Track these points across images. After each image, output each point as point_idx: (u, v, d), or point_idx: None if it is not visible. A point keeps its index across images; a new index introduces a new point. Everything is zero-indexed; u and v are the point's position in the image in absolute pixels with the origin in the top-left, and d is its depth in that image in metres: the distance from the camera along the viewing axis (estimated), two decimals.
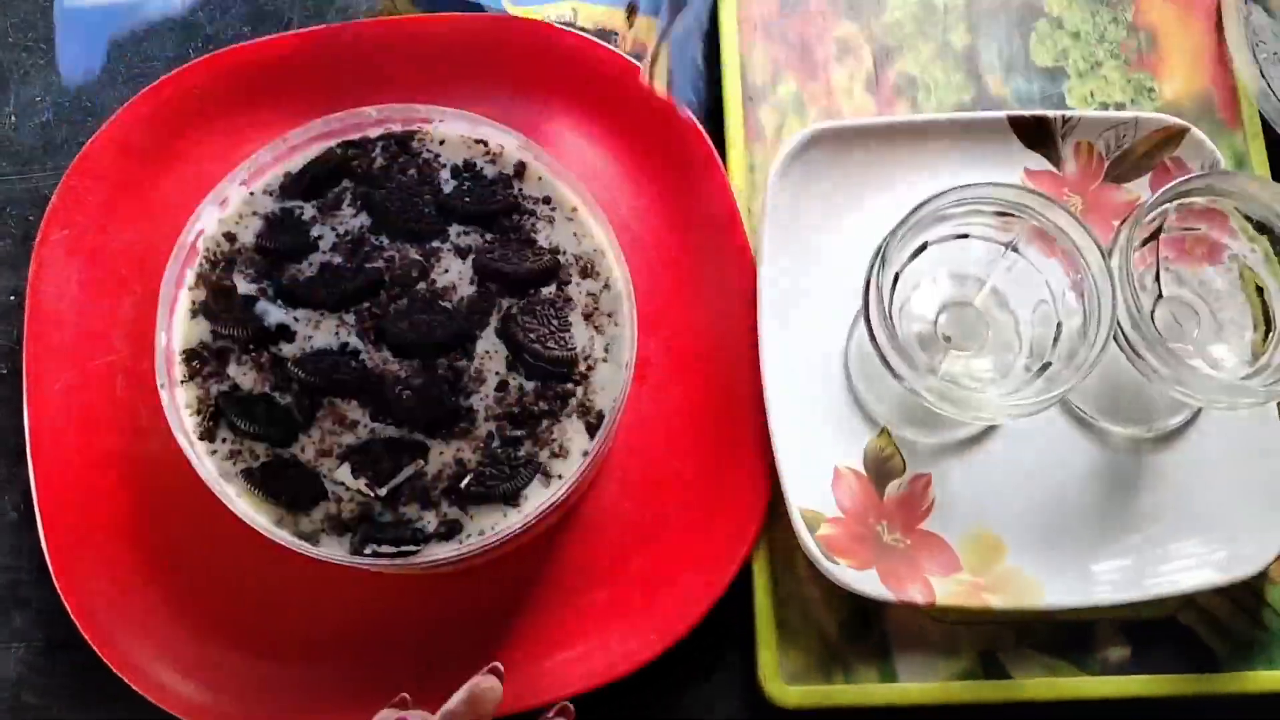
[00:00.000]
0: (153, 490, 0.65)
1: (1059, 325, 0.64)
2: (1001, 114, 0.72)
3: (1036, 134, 0.73)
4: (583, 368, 0.63)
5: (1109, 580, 0.65)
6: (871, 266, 0.59)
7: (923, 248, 0.65)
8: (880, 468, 0.68)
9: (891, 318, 0.61)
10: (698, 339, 0.68)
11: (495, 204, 0.64)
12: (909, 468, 0.68)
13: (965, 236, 0.65)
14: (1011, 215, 0.63)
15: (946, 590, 0.64)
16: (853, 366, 0.69)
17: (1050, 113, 0.71)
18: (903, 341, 0.58)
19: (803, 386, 0.68)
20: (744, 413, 0.66)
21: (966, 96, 0.76)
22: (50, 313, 0.66)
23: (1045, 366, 0.63)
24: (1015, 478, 0.67)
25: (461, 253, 0.64)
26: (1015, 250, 0.65)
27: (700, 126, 0.70)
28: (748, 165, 0.72)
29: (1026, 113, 0.72)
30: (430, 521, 0.60)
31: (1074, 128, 0.72)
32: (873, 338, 0.59)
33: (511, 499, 0.61)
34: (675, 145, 0.70)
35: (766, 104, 0.74)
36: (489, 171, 0.64)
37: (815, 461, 0.66)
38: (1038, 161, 0.74)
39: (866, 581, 0.63)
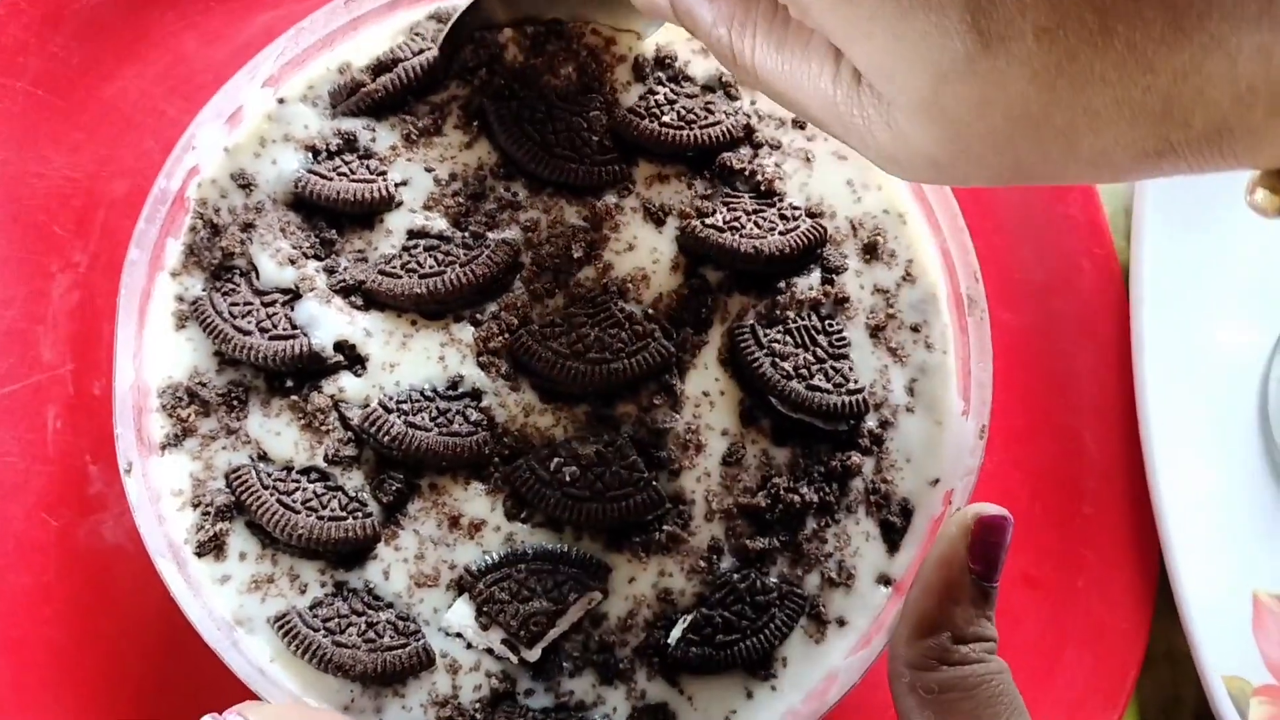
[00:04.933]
0: (109, 619, 0.48)
1: None
2: None
3: None
4: (873, 423, 0.43)
5: None
6: None
7: None
8: None
9: None
10: (1025, 362, 0.51)
11: (712, 128, 0.44)
12: None
13: None
14: None
15: None
16: (1276, 418, 0.50)
17: None
18: None
19: (1201, 449, 0.49)
20: (1103, 491, 0.50)
21: None
22: None
23: None
24: None
25: (655, 214, 0.44)
26: None
27: None
28: None
29: None
30: (617, 707, 0.41)
31: None
32: None
33: (759, 665, 0.41)
34: None
35: None
36: (700, 70, 0.45)
37: (1223, 585, 0.49)
38: None
39: None
